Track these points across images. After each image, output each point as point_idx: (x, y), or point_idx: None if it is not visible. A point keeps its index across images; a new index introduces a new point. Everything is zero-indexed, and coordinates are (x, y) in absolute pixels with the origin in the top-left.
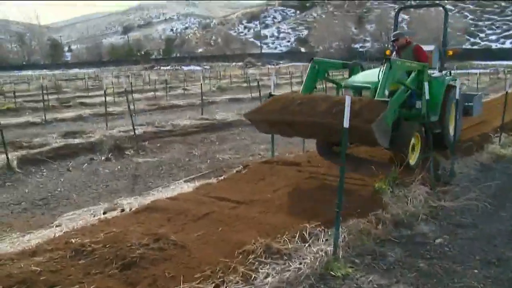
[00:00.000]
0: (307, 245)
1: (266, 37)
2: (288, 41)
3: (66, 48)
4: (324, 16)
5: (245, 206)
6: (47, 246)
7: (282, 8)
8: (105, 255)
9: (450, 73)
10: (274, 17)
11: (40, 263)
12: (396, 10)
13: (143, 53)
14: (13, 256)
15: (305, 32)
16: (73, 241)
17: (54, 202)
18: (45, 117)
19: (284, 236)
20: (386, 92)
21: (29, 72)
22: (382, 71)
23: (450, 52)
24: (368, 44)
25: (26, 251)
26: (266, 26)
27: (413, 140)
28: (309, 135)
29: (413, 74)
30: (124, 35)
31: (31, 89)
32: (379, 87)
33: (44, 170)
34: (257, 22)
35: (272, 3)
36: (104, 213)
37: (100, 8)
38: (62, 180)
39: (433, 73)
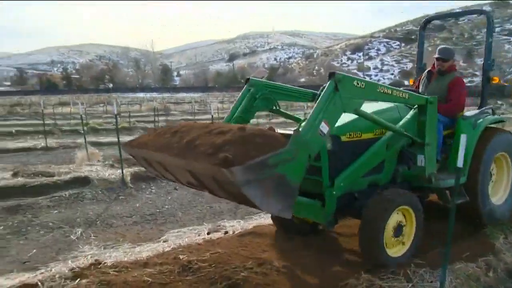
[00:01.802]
0: (411, 285)
1: (369, 68)
2: (392, 74)
3: (175, 73)
4: (430, 49)
5: (350, 238)
6: (157, 260)
7: (386, 40)
8: (210, 274)
9: (494, 112)
10: (378, 49)
11: (151, 274)
12: (423, 22)
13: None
14: (127, 265)
15: (410, 65)
16: (181, 257)
17: (161, 218)
18: None
19: (388, 273)
20: (324, 129)
21: (141, 94)
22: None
23: (496, 79)
24: (477, 79)
25: (139, 262)
26: (370, 58)
27: (397, 219)
28: (185, 181)
29: (412, 112)
30: (230, 62)
31: (143, 110)
32: (308, 118)
33: (153, 187)
34: (360, 54)
35: (376, 35)
36: (208, 233)
37: (208, 36)
38: (169, 198)
39: (466, 112)
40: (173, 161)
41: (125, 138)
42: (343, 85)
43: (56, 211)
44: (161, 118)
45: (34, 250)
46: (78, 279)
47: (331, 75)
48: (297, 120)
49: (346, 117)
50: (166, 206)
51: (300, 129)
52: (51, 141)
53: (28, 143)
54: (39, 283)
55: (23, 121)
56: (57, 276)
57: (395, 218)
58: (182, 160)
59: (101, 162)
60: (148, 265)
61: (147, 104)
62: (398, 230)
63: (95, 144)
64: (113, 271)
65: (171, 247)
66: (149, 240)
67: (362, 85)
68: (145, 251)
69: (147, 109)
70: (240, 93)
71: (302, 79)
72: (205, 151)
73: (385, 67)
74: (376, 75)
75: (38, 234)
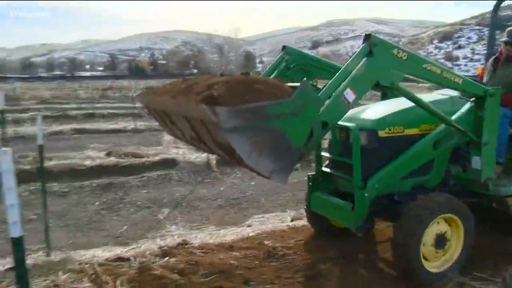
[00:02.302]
0: None
1: (458, 58)
2: (483, 64)
3: (258, 60)
4: None
5: None
6: (242, 244)
7: (478, 27)
8: (295, 262)
9: None
10: (469, 38)
11: (236, 258)
12: (497, 2)
13: None
14: (213, 247)
15: None
16: (265, 243)
17: (245, 203)
18: None
19: (481, 275)
20: (349, 96)
21: None
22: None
23: None
24: None
25: (224, 245)
26: (459, 47)
27: (440, 228)
28: (188, 136)
29: (467, 105)
30: (313, 50)
31: None
32: (331, 81)
33: (238, 172)
34: (449, 42)
35: (468, 22)
36: (291, 220)
37: (292, 23)
38: (253, 183)
39: None
40: (170, 104)
41: None
42: (379, 50)
43: (144, 191)
44: None
45: (125, 227)
46: (167, 257)
47: (367, 37)
48: None
49: (385, 110)
50: (250, 192)
51: (320, 94)
52: (140, 124)
53: (119, 125)
54: (132, 258)
55: (114, 104)
56: (147, 252)
57: (436, 227)
58: (176, 102)
59: (187, 145)
60: (234, 249)
61: None
62: (441, 241)
63: None
64: (200, 252)
65: (256, 232)
66: (233, 224)
67: (404, 55)
68: (230, 234)
69: None
70: (274, 60)
71: None
72: (197, 91)
73: (476, 57)
74: (465, 65)
75: (129, 211)
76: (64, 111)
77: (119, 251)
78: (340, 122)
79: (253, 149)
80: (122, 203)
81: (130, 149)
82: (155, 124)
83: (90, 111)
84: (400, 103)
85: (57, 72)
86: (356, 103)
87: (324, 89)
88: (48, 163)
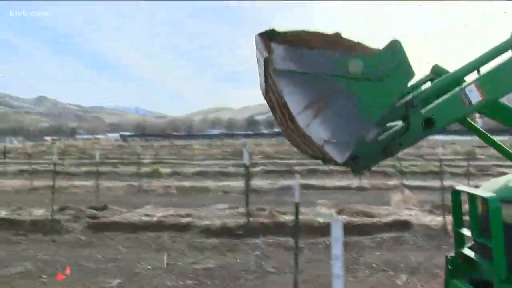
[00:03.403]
0: None
1: None
2: None
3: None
4: None
5: None
6: None
7: None
8: None
9: None
10: None
11: None
12: None
13: None
14: None
15: None
16: None
17: None
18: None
19: None
20: (473, 95)
21: (440, 137)
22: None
23: None
24: None
25: None
26: None
27: None
28: (279, 112)
29: None
30: None
31: (447, 153)
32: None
33: None
34: None
35: None
36: None
37: None
38: None
39: None
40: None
41: (431, 184)
42: None
43: (378, 253)
44: (469, 162)
45: None
46: None
47: None
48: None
49: None
50: None
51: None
52: (364, 182)
53: (342, 182)
54: None
55: None
56: None
57: None
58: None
59: (419, 206)
60: None
61: (449, 147)
62: None
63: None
64: None
65: None
66: None
67: None
68: None
69: (450, 152)
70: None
71: None
72: None
73: None
74: None
75: (365, 273)
76: (287, 166)
77: None
78: (478, 192)
79: (308, 106)
80: (357, 264)
81: (359, 207)
82: (379, 182)
83: (312, 167)
84: None
85: (276, 130)
86: (478, 108)
87: (433, 83)
88: (283, 218)
